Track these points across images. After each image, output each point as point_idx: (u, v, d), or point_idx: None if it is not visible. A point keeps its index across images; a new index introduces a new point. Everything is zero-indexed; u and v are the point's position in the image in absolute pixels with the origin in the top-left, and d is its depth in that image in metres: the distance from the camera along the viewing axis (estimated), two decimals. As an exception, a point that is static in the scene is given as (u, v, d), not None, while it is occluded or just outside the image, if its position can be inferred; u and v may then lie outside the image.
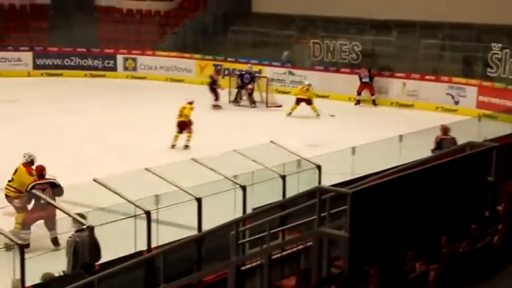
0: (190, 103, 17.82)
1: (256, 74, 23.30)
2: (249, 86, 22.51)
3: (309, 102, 21.24)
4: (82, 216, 8.99)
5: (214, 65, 25.48)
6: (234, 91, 23.03)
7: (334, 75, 24.41)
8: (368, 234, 6.06)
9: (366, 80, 23.11)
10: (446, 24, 24.08)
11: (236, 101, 22.74)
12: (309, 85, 21.64)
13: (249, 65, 23.78)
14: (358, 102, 23.19)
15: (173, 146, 17.21)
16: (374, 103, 23.11)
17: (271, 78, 24.23)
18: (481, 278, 5.72)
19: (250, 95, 22.55)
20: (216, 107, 22.11)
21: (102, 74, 27.28)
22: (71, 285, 8.01)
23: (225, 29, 28.01)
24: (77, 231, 8.91)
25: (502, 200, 7.61)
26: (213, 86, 22.24)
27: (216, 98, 22.24)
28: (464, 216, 7.02)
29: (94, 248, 8.81)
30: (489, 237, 6.05)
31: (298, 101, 21.21)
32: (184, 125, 17.36)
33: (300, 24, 26.57)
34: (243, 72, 22.79)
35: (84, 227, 8.73)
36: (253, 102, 22.49)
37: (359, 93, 23.22)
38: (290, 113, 21.21)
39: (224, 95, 22.72)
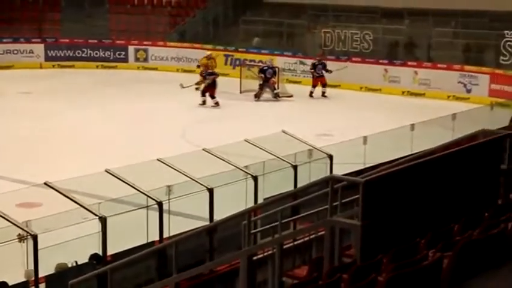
0: None
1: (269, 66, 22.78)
2: (273, 80, 22.06)
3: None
4: None
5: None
6: (245, 82, 22.84)
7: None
8: (380, 223, 6.05)
9: (320, 72, 22.61)
10: (459, 12, 23.91)
11: (258, 96, 21.95)
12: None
13: (270, 58, 23.52)
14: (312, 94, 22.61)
15: None
16: (324, 95, 22.57)
17: (282, 68, 24.16)
18: (495, 265, 5.69)
19: (274, 88, 22.10)
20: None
21: (113, 65, 27.31)
22: (84, 275, 8.05)
23: (235, 19, 27.95)
24: None
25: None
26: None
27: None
28: (477, 205, 6.98)
29: None
30: (503, 225, 6.01)
31: None
32: None
33: (311, 13, 26.46)
34: (265, 68, 22.16)
35: (97, 217, 8.71)
36: (277, 95, 22.04)
37: (314, 86, 22.63)
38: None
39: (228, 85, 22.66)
